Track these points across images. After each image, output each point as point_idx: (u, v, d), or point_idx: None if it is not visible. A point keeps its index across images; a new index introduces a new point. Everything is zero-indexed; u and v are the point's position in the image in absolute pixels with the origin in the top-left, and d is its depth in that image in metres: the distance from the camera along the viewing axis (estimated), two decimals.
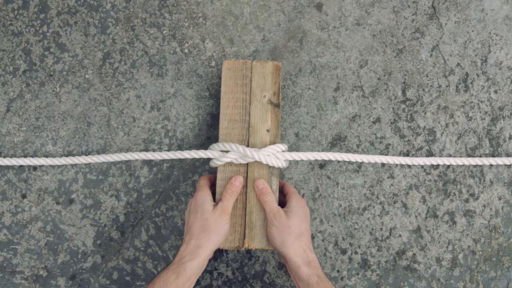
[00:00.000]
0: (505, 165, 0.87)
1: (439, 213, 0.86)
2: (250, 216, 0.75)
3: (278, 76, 0.78)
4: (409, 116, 0.87)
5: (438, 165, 0.87)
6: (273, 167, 0.76)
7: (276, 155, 0.76)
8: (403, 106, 0.87)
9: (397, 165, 0.86)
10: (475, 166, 0.87)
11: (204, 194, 0.73)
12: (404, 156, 0.86)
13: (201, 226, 0.71)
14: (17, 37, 0.85)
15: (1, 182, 0.84)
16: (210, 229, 0.71)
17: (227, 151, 0.76)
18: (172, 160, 0.85)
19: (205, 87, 0.86)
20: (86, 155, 0.85)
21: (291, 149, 0.86)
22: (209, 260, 0.85)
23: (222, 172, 0.76)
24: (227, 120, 0.77)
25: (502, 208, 0.87)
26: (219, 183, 0.76)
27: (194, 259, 0.69)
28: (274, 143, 0.77)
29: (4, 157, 0.84)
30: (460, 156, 0.87)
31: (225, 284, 0.85)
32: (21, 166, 0.84)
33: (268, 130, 0.77)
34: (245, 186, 0.76)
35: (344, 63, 0.86)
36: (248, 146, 0.76)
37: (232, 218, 0.75)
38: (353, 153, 0.86)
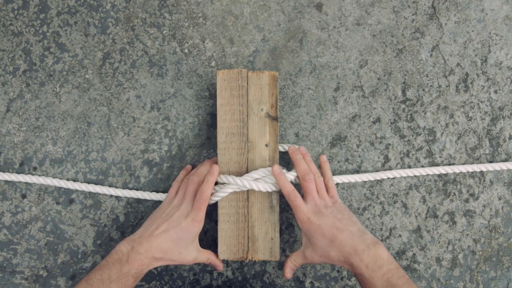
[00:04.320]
0: (506, 163, 0.87)
1: (439, 213, 0.86)
2: (253, 230, 0.76)
3: (275, 87, 0.76)
4: (409, 116, 0.87)
5: (438, 165, 0.87)
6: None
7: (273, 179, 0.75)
8: (403, 106, 0.87)
9: (397, 165, 0.86)
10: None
11: (200, 225, 0.71)
12: (404, 156, 0.86)
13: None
14: (17, 37, 0.85)
15: (1, 182, 0.84)
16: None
17: (222, 183, 0.76)
18: (172, 160, 0.85)
19: (205, 87, 0.86)
20: (86, 155, 0.85)
21: None
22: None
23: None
24: (225, 134, 0.76)
25: (502, 208, 0.87)
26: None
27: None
28: (273, 158, 0.76)
29: (5, 157, 0.84)
30: (460, 156, 0.87)
31: (225, 284, 0.85)
32: (21, 166, 0.84)
33: (267, 145, 0.76)
34: (247, 199, 0.76)
35: (344, 63, 0.86)
36: (247, 161, 0.76)
37: (235, 231, 0.76)
38: (353, 153, 0.86)
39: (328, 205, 0.72)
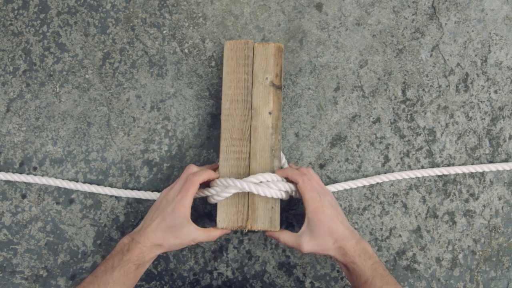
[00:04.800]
0: (506, 163, 0.87)
1: (439, 213, 0.86)
2: (253, 198, 0.75)
3: (280, 57, 0.78)
4: (409, 116, 0.87)
5: (438, 165, 0.87)
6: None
7: (276, 184, 0.74)
8: (403, 106, 0.87)
9: (397, 165, 0.86)
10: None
11: (187, 207, 0.71)
12: (404, 156, 0.86)
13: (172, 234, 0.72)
14: (17, 37, 0.85)
15: (1, 182, 0.84)
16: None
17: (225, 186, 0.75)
18: (172, 160, 0.85)
19: (205, 87, 0.86)
20: (86, 155, 0.85)
21: (291, 149, 0.86)
22: (209, 260, 0.85)
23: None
24: (229, 100, 0.77)
25: (502, 208, 0.87)
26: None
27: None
28: (276, 125, 0.77)
29: (5, 157, 0.84)
30: (460, 157, 0.87)
31: (225, 284, 0.85)
32: (21, 166, 0.84)
33: (270, 113, 0.77)
34: (248, 166, 0.76)
35: (344, 63, 0.86)
36: (250, 128, 0.76)
37: (234, 198, 0.75)
38: (353, 153, 0.86)
39: (329, 194, 0.74)
